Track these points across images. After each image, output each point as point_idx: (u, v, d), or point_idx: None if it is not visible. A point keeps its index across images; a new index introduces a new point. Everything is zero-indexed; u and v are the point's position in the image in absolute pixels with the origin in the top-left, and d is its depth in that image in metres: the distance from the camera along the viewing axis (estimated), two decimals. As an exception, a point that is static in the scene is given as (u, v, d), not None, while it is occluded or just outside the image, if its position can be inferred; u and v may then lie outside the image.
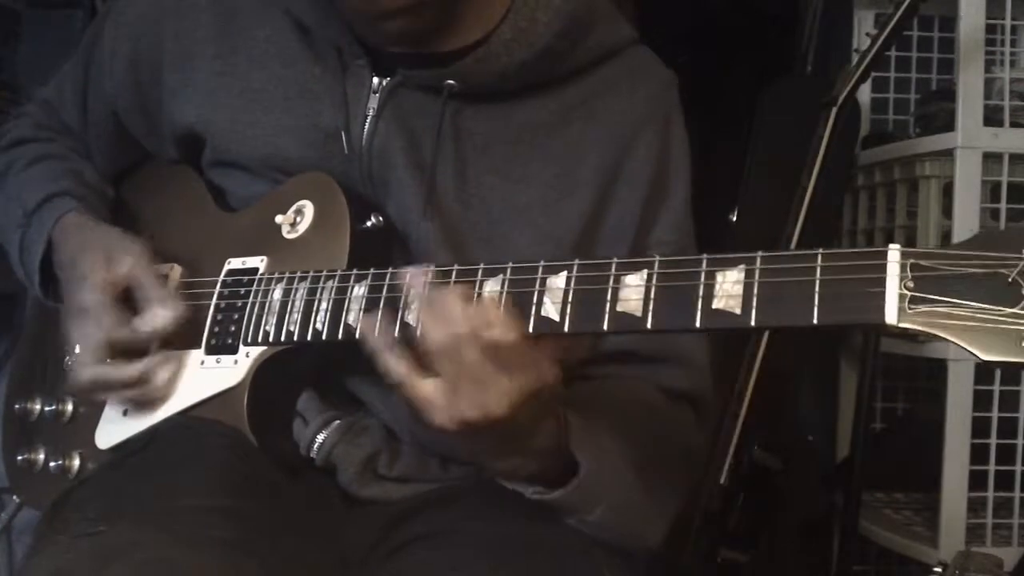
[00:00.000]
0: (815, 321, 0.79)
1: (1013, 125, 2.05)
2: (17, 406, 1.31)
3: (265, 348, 1.09)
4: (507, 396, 0.90)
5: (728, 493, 2.08)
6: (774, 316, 0.81)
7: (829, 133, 2.05)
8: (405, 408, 1.13)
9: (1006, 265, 0.75)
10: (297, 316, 1.06)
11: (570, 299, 0.90)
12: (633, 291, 0.87)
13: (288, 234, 1.14)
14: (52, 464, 1.24)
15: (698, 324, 0.84)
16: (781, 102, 2.43)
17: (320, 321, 1.04)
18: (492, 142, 1.14)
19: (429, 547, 1.04)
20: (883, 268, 0.78)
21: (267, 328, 1.08)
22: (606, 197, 1.15)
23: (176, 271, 1.19)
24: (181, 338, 1.14)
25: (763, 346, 2.04)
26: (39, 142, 1.34)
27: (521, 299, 0.93)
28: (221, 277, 1.16)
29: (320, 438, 1.14)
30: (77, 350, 1.14)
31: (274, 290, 1.10)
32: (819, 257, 0.80)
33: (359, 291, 1.03)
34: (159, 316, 1.11)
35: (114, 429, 1.18)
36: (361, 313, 1.00)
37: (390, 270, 1.02)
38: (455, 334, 0.90)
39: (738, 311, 0.83)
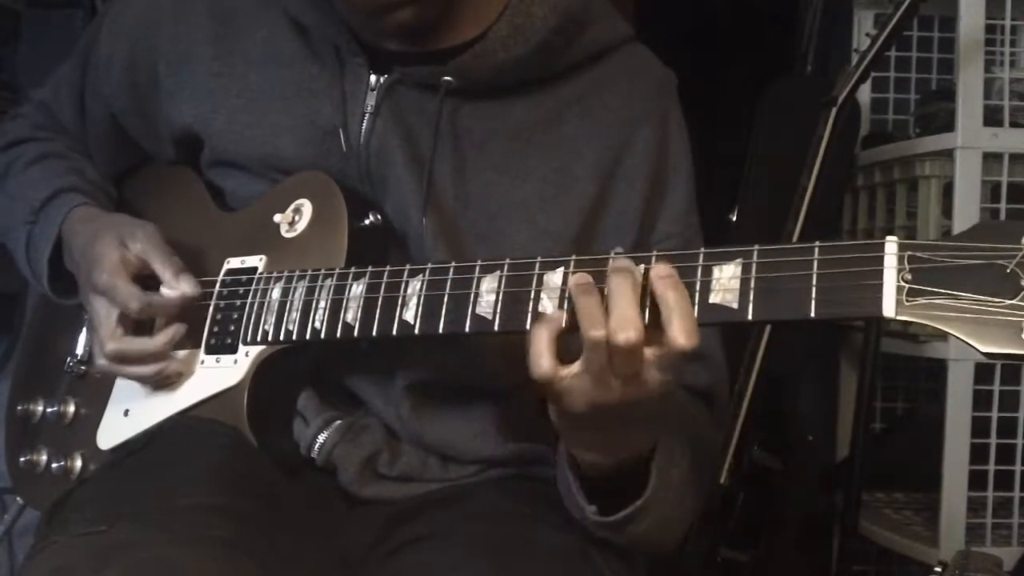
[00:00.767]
0: (812, 314, 0.79)
1: (1013, 125, 2.05)
2: (19, 408, 1.31)
3: (264, 347, 1.09)
4: (647, 386, 0.88)
5: (728, 493, 2.09)
6: (771, 310, 0.82)
7: (829, 133, 2.05)
8: (406, 407, 1.13)
9: (1004, 256, 0.74)
10: (296, 315, 1.06)
11: (567, 295, 0.90)
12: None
13: (287, 233, 1.14)
14: (54, 465, 1.24)
15: (696, 318, 0.84)
16: (781, 102, 2.43)
17: (319, 320, 1.04)
18: (489, 139, 1.14)
19: (429, 547, 1.04)
20: (880, 260, 0.77)
21: (266, 327, 1.08)
22: (605, 193, 1.15)
23: (190, 273, 1.19)
24: (181, 338, 1.14)
25: (763, 346, 2.04)
26: (38, 141, 1.34)
27: (518, 296, 0.93)
28: (220, 276, 1.16)
29: (321, 438, 1.15)
30: (97, 329, 1.14)
31: (273, 289, 1.10)
32: (816, 250, 0.80)
33: (357, 289, 1.03)
34: (176, 289, 1.12)
35: (115, 430, 1.18)
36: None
37: (388, 267, 1.02)
38: (626, 344, 0.85)
39: (735, 305, 0.83)
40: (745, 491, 2.12)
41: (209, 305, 1.15)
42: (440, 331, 0.96)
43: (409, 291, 0.99)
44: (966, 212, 2.00)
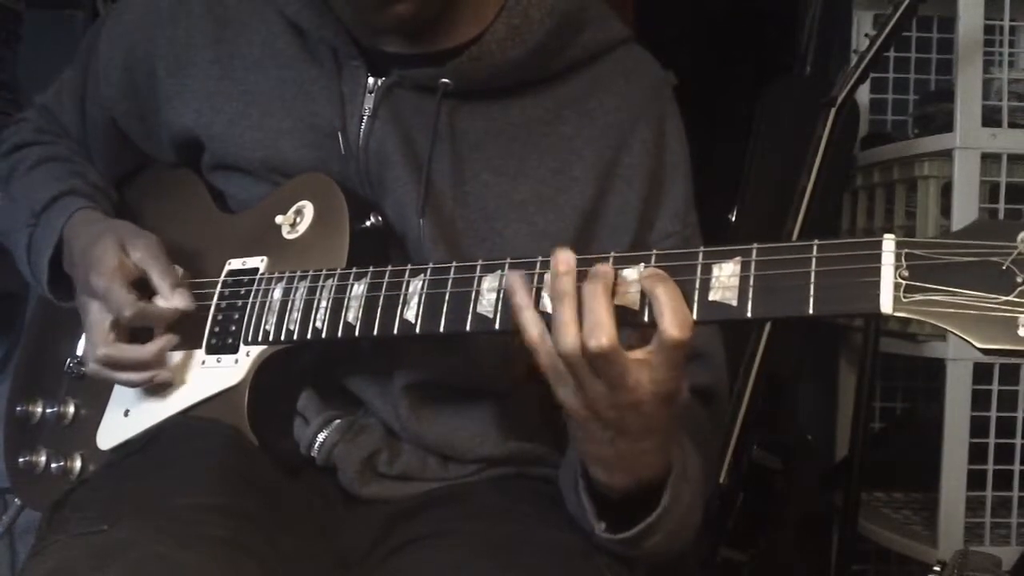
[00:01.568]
0: (811, 311, 0.79)
1: (1011, 126, 2.05)
2: (19, 408, 1.31)
3: (265, 347, 1.09)
4: (640, 389, 0.87)
5: (728, 493, 2.09)
6: (770, 307, 0.82)
7: (828, 133, 2.05)
8: (405, 406, 1.14)
9: (1000, 253, 0.75)
10: (297, 315, 1.07)
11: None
12: (630, 285, 0.88)
13: (288, 234, 1.14)
14: (54, 466, 1.24)
15: (695, 316, 0.85)
16: (780, 102, 2.43)
17: (320, 320, 1.05)
18: (487, 140, 1.14)
19: (429, 546, 1.04)
20: (878, 258, 0.78)
21: (267, 327, 1.09)
22: (603, 193, 1.16)
23: (178, 273, 1.20)
24: (183, 338, 1.14)
25: (762, 346, 2.04)
26: (41, 145, 1.34)
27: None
28: (222, 277, 1.16)
29: (320, 437, 1.15)
30: (90, 332, 1.14)
31: (274, 290, 1.10)
32: (815, 248, 0.81)
33: (358, 289, 1.03)
34: (171, 301, 1.12)
35: (115, 430, 1.18)
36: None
37: (389, 268, 1.02)
38: (598, 350, 0.85)
39: (734, 303, 0.83)
40: (745, 491, 2.12)
41: (211, 306, 1.15)
42: (441, 330, 0.97)
43: (410, 291, 1.00)
44: (965, 212, 2.00)
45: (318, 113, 1.15)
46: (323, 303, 1.05)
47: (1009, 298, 0.74)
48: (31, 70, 2.12)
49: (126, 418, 1.18)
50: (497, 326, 0.94)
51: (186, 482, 1.00)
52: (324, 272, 1.07)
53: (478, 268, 0.96)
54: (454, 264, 0.98)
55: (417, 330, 0.98)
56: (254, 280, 1.13)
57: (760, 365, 2.03)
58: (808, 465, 2.31)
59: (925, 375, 2.41)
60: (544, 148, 1.15)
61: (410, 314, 0.99)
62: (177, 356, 1.15)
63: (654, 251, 0.88)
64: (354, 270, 1.05)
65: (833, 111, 2.06)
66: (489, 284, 0.95)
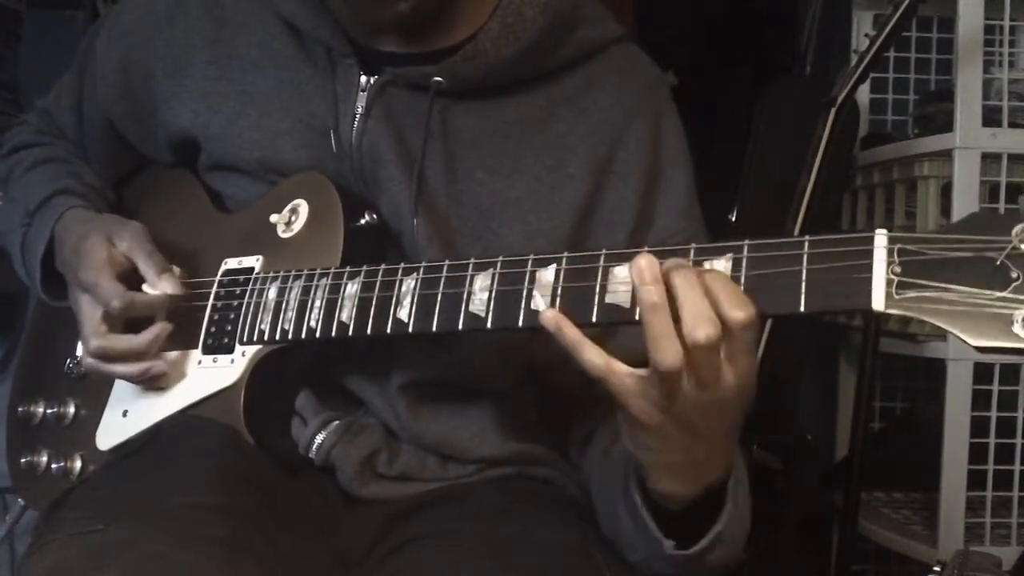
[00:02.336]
0: (802, 308, 0.78)
1: (1011, 125, 2.04)
2: (21, 409, 1.32)
3: (261, 347, 1.09)
4: (726, 385, 0.83)
5: (727, 493, 2.08)
6: (761, 304, 0.81)
7: (828, 133, 2.05)
8: (403, 406, 1.14)
9: (994, 248, 0.74)
10: (291, 314, 1.07)
11: (559, 292, 0.90)
12: (622, 283, 0.87)
13: (283, 233, 1.14)
14: (54, 466, 1.24)
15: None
16: (780, 103, 2.43)
17: (314, 319, 1.05)
18: (480, 138, 1.14)
19: (429, 547, 1.04)
20: (870, 254, 0.77)
21: (262, 327, 1.09)
22: (598, 189, 1.15)
23: (175, 273, 1.20)
24: (180, 338, 1.14)
25: (762, 345, 2.04)
26: (40, 146, 1.35)
27: (511, 293, 0.93)
28: (218, 277, 1.16)
29: (319, 438, 1.15)
30: (83, 326, 1.14)
31: (269, 289, 1.10)
32: (806, 244, 0.80)
33: (352, 289, 1.03)
34: (157, 287, 1.13)
35: (114, 430, 1.18)
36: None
37: (382, 267, 1.02)
38: (706, 341, 0.80)
39: None
40: (745, 491, 2.11)
41: (206, 305, 1.15)
42: (434, 329, 0.96)
43: (403, 290, 1.00)
44: (965, 212, 1.95)
45: (314, 113, 1.15)
46: (317, 302, 1.05)
47: (1004, 294, 0.73)
48: (31, 70, 2.12)
49: (125, 418, 1.18)
50: (489, 325, 0.94)
51: (184, 482, 1.00)
52: (318, 271, 1.07)
53: (470, 267, 0.96)
54: (446, 263, 0.98)
55: (410, 329, 0.98)
56: (249, 279, 1.13)
57: (760, 365, 2.02)
58: (808, 465, 2.31)
59: (925, 375, 2.41)
60: (538, 146, 1.15)
61: (403, 313, 0.99)
62: (174, 356, 1.15)
63: (644, 248, 0.86)
64: (348, 269, 1.05)
65: (833, 111, 2.06)
66: (481, 283, 0.95)
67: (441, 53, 1.13)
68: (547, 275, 0.92)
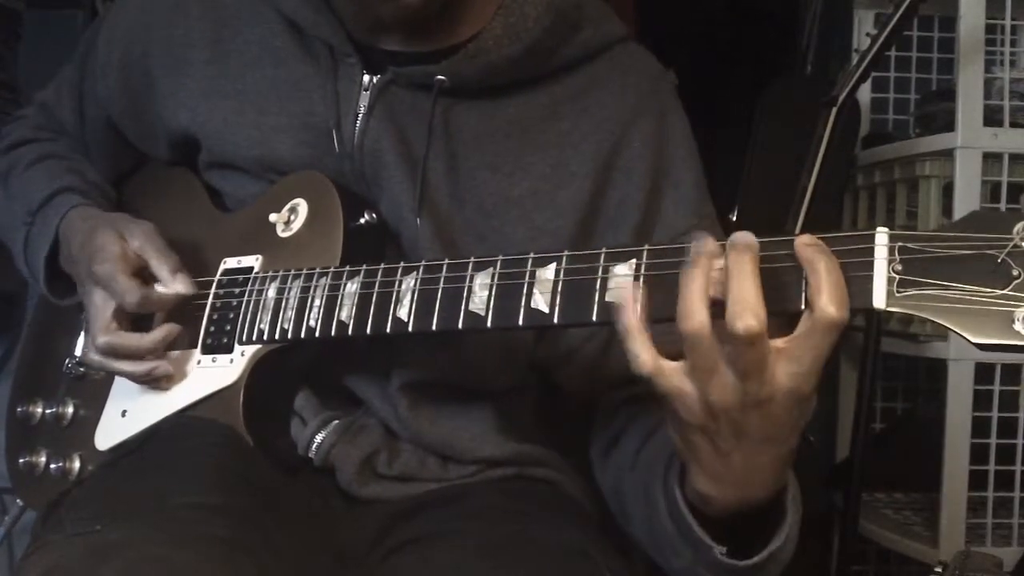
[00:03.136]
0: (803, 307, 0.77)
1: (1013, 125, 2.04)
2: (20, 409, 1.31)
3: (260, 346, 1.09)
4: (774, 384, 0.77)
5: (728, 493, 2.08)
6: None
7: (829, 133, 2.05)
8: (404, 406, 1.13)
9: (995, 246, 0.73)
10: (291, 314, 1.06)
11: (559, 290, 0.90)
12: (622, 280, 0.86)
13: (282, 232, 1.14)
14: (53, 466, 1.24)
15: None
16: (781, 102, 2.43)
17: (313, 319, 1.05)
18: (483, 137, 1.14)
19: (428, 546, 1.04)
20: (871, 252, 0.77)
21: (261, 326, 1.09)
22: (602, 187, 1.15)
23: (176, 258, 1.19)
24: (180, 337, 1.14)
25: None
26: (40, 142, 1.35)
27: (511, 292, 0.93)
28: (217, 276, 1.16)
29: (318, 438, 1.15)
30: (93, 321, 1.14)
31: (268, 288, 1.10)
32: None
33: (352, 288, 1.03)
34: (171, 286, 1.13)
35: (113, 430, 1.18)
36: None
37: (382, 266, 1.02)
38: (746, 332, 0.74)
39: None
40: (745, 491, 2.11)
41: (206, 305, 1.15)
42: (434, 328, 0.96)
43: (403, 288, 0.99)
44: (966, 212, 1.98)
45: (313, 111, 1.15)
46: (317, 302, 1.05)
47: (1005, 292, 0.72)
48: (31, 70, 2.12)
49: (123, 418, 1.18)
50: (489, 324, 0.93)
51: (183, 482, 0.99)
52: (318, 271, 1.07)
53: (470, 266, 0.96)
54: (446, 262, 0.98)
55: (410, 328, 0.98)
56: (249, 279, 1.13)
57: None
58: (809, 465, 2.30)
59: (926, 375, 2.41)
60: (541, 144, 1.14)
61: (403, 312, 0.98)
62: (174, 356, 1.15)
63: (645, 247, 0.86)
64: (347, 268, 1.05)
65: (834, 110, 2.05)
66: (481, 282, 0.94)
67: (443, 52, 1.13)
68: (547, 274, 0.91)
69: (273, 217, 1.15)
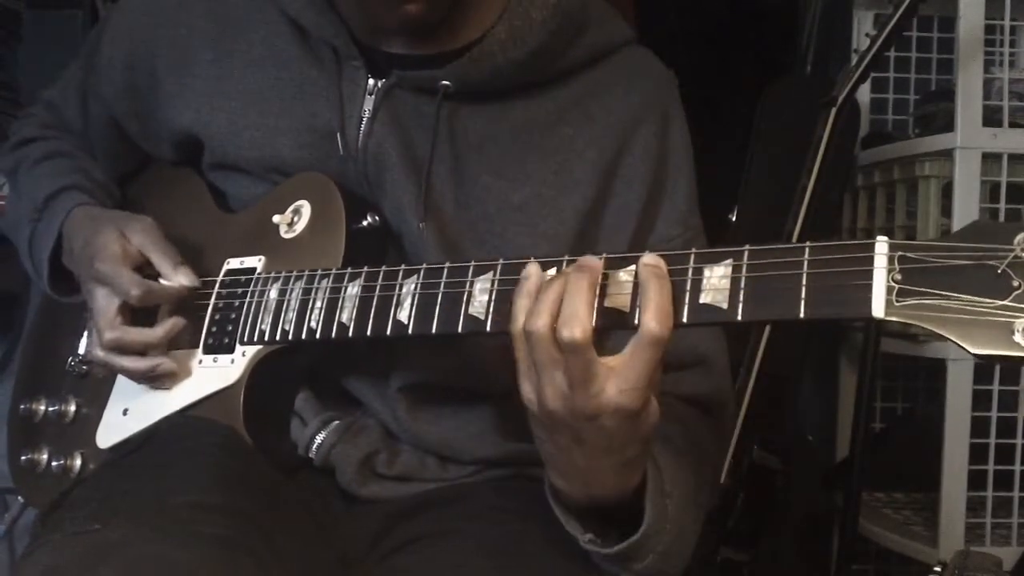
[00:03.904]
0: (801, 315, 0.78)
1: (1012, 125, 2.05)
2: (22, 407, 1.32)
3: (261, 347, 1.09)
4: (600, 398, 0.84)
5: (728, 493, 2.08)
6: (761, 310, 0.81)
7: (829, 133, 2.05)
8: (403, 407, 1.14)
9: (996, 256, 0.73)
10: (292, 315, 1.07)
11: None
12: (621, 287, 0.87)
13: (285, 234, 1.14)
14: (54, 464, 1.24)
15: (685, 319, 0.84)
16: (781, 102, 2.43)
17: (315, 320, 1.05)
18: (487, 142, 1.14)
19: (428, 546, 1.04)
20: (870, 261, 0.76)
21: (263, 327, 1.09)
22: (603, 194, 1.15)
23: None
24: (180, 337, 1.14)
25: (763, 346, 2.04)
26: (47, 140, 1.35)
27: (510, 296, 0.92)
28: (220, 277, 1.16)
29: (318, 439, 1.15)
30: (97, 318, 1.14)
31: (270, 289, 1.10)
32: (807, 251, 0.79)
33: (353, 290, 1.03)
34: (174, 280, 1.13)
35: (114, 429, 1.18)
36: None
37: (383, 268, 1.02)
38: (570, 341, 0.83)
39: (725, 305, 0.82)
40: (745, 491, 2.12)
41: (208, 305, 1.15)
42: (434, 331, 0.96)
43: (404, 291, 0.99)
44: (965, 212, 2.00)
45: (317, 113, 1.15)
46: (318, 303, 1.05)
47: (1005, 302, 0.72)
48: (31, 70, 2.12)
49: (125, 417, 1.18)
50: (488, 328, 0.93)
51: (183, 481, 0.99)
52: (319, 272, 1.07)
53: (471, 270, 0.96)
54: (447, 265, 0.98)
55: (410, 331, 0.98)
56: (251, 280, 1.13)
57: (760, 365, 2.03)
58: (808, 465, 2.31)
59: (926, 375, 2.41)
60: (545, 150, 1.14)
61: (403, 315, 0.98)
62: (176, 355, 1.15)
63: (645, 252, 0.87)
64: (349, 270, 1.05)
65: (833, 111, 2.06)
66: (481, 285, 0.95)
67: (448, 55, 1.13)
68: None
69: (276, 218, 1.15)
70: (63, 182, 1.25)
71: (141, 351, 1.14)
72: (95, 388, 1.24)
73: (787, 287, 0.79)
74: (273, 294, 1.10)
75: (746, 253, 0.83)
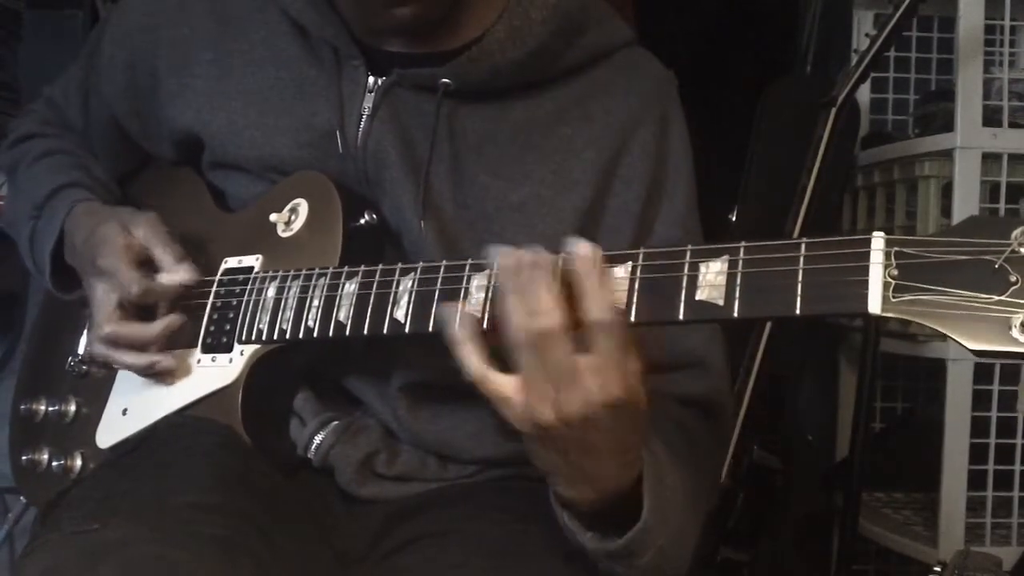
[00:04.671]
0: (798, 311, 0.78)
1: (1012, 125, 2.05)
2: (23, 407, 1.32)
3: (259, 346, 1.09)
4: (587, 397, 0.84)
5: (728, 493, 2.09)
6: (757, 307, 0.81)
7: (828, 133, 2.05)
8: (403, 407, 1.13)
9: (992, 251, 0.73)
10: (290, 314, 1.07)
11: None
12: (618, 283, 0.87)
13: (283, 232, 1.14)
14: (55, 464, 1.24)
15: (681, 316, 0.84)
16: (781, 102, 2.43)
17: (312, 319, 1.05)
18: (487, 141, 1.14)
19: (428, 546, 1.04)
20: (866, 256, 0.76)
21: (260, 326, 1.09)
22: (602, 195, 1.15)
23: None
24: (180, 336, 1.14)
25: (763, 346, 2.04)
26: (46, 137, 1.35)
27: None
28: (218, 276, 1.16)
29: (317, 439, 1.15)
30: (96, 312, 1.14)
31: (268, 288, 1.10)
32: (803, 247, 0.79)
33: (350, 288, 1.03)
34: (175, 274, 1.13)
35: (114, 428, 1.18)
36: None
37: (380, 267, 1.02)
38: (540, 331, 0.83)
39: (721, 302, 0.82)
40: (745, 491, 2.12)
41: (207, 304, 1.15)
42: (431, 330, 0.96)
43: (400, 289, 0.99)
44: (965, 212, 1.99)
45: (316, 112, 1.15)
46: (315, 302, 1.05)
47: (1002, 298, 0.72)
48: (31, 70, 2.13)
49: (124, 416, 1.18)
50: (485, 325, 0.93)
51: (181, 481, 0.99)
52: (317, 271, 1.07)
53: (467, 267, 0.96)
54: (444, 263, 0.98)
55: (407, 330, 0.98)
56: (249, 279, 1.13)
57: (760, 365, 2.03)
58: (808, 465, 2.31)
59: (926, 375, 2.41)
60: (544, 150, 1.14)
61: (400, 313, 0.98)
62: (174, 355, 1.15)
63: (641, 250, 0.87)
64: (346, 269, 1.05)
65: (833, 111, 2.06)
66: (478, 283, 0.94)
67: (448, 54, 1.13)
68: None
69: (274, 217, 1.15)
70: (64, 179, 1.25)
71: (138, 346, 1.13)
72: (95, 388, 1.24)
73: (783, 283, 0.79)
74: (271, 293, 1.10)
75: (742, 249, 0.82)
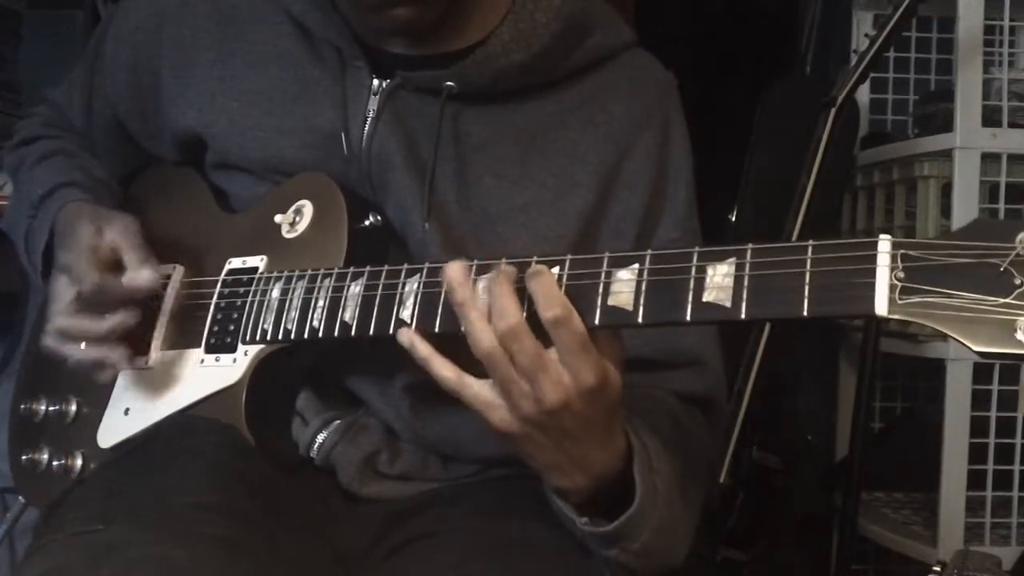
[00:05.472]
0: (805, 313, 0.78)
1: (1011, 125, 2.05)
2: (23, 406, 1.31)
3: (263, 346, 1.09)
4: (562, 385, 0.87)
5: (728, 493, 2.09)
6: (764, 308, 0.81)
7: (828, 133, 2.06)
8: (405, 406, 1.14)
9: (998, 255, 0.73)
10: (294, 314, 1.07)
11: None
12: (624, 285, 0.87)
13: (287, 233, 1.14)
14: (55, 464, 1.24)
15: (688, 317, 0.84)
16: (781, 103, 2.44)
17: (317, 319, 1.05)
18: (491, 143, 1.14)
19: (430, 546, 1.04)
20: (873, 259, 0.77)
21: (265, 326, 1.09)
22: (605, 198, 1.15)
23: (179, 272, 1.20)
24: (183, 337, 1.14)
25: (763, 346, 2.04)
26: (49, 139, 1.35)
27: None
28: (221, 276, 1.16)
29: (320, 438, 1.15)
30: (52, 304, 1.12)
31: (272, 289, 1.10)
32: (809, 249, 0.80)
33: (355, 289, 1.03)
34: (136, 276, 1.10)
35: (115, 428, 1.18)
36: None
37: (385, 267, 1.02)
38: (506, 329, 0.88)
39: (728, 304, 0.82)
40: (745, 491, 2.12)
41: (210, 304, 1.15)
42: (436, 330, 0.96)
43: (406, 290, 0.99)
44: (965, 212, 2.00)
45: (320, 114, 1.15)
46: (320, 302, 1.05)
47: (1007, 300, 0.72)
48: (31, 70, 2.12)
49: (126, 416, 1.18)
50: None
51: (184, 481, 0.99)
52: (322, 272, 1.07)
53: (473, 269, 0.96)
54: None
55: (413, 330, 0.98)
56: (253, 279, 1.13)
57: (760, 365, 2.04)
58: (808, 465, 2.31)
59: (925, 375, 2.41)
60: (547, 152, 1.14)
61: (406, 314, 0.98)
62: (177, 355, 1.15)
63: (648, 252, 0.87)
64: (351, 270, 1.05)
65: (833, 111, 2.06)
66: (484, 284, 0.94)
67: (451, 56, 1.13)
68: None
69: (278, 218, 1.15)
70: (61, 179, 1.25)
71: (89, 341, 1.11)
72: (96, 388, 1.23)
73: (790, 285, 0.79)
74: (275, 293, 1.10)
75: (749, 251, 0.83)
